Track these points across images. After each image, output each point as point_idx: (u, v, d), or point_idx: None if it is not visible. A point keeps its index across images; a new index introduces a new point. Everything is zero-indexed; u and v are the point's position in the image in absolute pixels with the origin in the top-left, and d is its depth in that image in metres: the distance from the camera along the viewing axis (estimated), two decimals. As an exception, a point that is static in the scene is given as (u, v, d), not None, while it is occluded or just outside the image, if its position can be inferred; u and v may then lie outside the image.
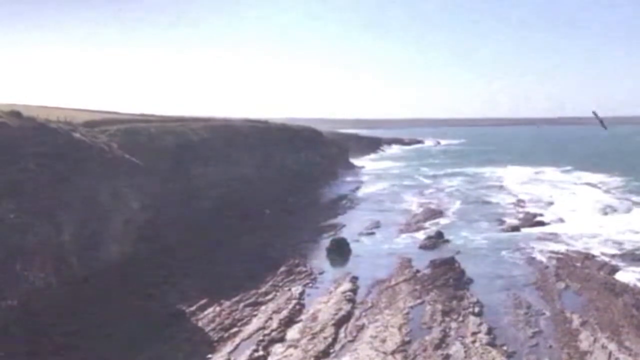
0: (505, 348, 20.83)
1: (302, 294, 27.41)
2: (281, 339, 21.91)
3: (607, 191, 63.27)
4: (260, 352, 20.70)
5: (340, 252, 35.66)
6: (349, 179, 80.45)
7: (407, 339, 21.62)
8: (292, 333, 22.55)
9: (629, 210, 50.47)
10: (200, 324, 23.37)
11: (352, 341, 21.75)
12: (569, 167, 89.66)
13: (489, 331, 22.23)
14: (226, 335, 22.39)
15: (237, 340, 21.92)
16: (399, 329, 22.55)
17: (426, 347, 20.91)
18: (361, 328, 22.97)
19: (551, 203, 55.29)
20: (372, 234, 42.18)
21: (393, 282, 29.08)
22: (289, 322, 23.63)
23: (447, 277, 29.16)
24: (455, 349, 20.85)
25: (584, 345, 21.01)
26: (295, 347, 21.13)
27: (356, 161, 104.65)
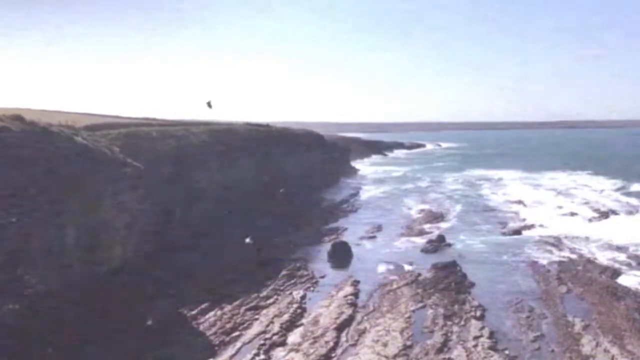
0: (507, 352, 20.81)
1: (303, 297, 27.41)
2: (282, 343, 21.90)
3: (609, 194, 63.21)
4: (262, 356, 20.70)
5: (341, 255, 35.64)
6: (350, 182, 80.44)
7: (408, 343, 21.60)
8: (294, 337, 22.55)
9: (631, 214, 50.40)
10: (201, 327, 23.37)
11: (353, 345, 21.73)
12: (570, 170, 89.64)
13: (491, 335, 22.22)
14: (227, 339, 22.39)
15: (238, 344, 21.93)
16: (401, 333, 22.52)
17: (428, 351, 20.89)
18: (363, 332, 22.95)
19: (552, 206, 55.23)
20: (374, 237, 42.16)
21: (395, 286, 29.06)
22: (291, 326, 23.63)
23: (448, 281, 29.14)
24: (457, 353, 20.83)
25: (586, 349, 20.97)
26: (297, 351, 21.12)
27: (358, 165, 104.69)
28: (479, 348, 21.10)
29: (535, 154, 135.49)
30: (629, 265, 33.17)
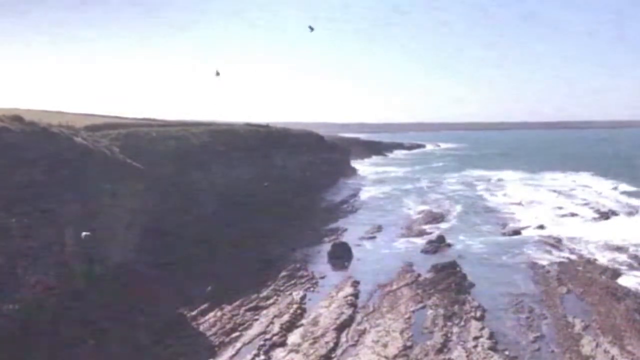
0: (507, 353, 20.81)
1: (303, 298, 27.41)
2: (282, 344, 21.90)
3: (609, 195, 63.19)
4: (262, 357, 20.70)
5: (341, 256, 35.64)
6: (350, 182, 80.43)
7: (408, 343, 21.59)
8: (294, 337, 22.54)
9: (631, 215, 50.39)
10: (201, 328, 23.36)
11: (353, 346, 21.73)
12: (570, 171, 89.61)
13: (491, 336, 22.22)
14: (227, 339, 22.38)
15: (238, 344, 21.92)
16: (401, 333, 22.52)
17: (428, 352, 20.89)
18: (363, 332, 22.95)
19: (552, 206, 55.23)
20: (374, 238, 42.15)
21: (394, 287, 29.05)
22: (291, 326, 23.62)
23: (448, 282, 29.13)
24: (457, 353, 20.83)
25: (586, 349, 20.97)
26: (297, 351, 21.12)
27: (357, 165, 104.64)
28: (479, 349, 21.09)
29: (535, 155, 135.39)
30: (629, 265, 33.18)
